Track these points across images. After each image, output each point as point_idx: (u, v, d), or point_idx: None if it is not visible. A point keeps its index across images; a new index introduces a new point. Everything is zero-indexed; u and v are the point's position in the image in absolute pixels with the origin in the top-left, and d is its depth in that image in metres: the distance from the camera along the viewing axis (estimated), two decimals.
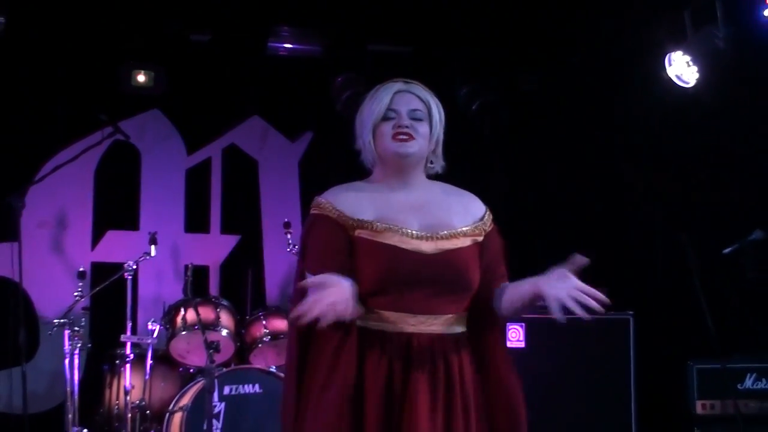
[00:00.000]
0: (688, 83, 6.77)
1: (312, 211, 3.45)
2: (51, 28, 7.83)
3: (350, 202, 3.39)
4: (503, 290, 3.42)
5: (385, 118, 3.37)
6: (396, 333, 3.31)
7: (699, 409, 6.41)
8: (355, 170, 3.53)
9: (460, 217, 3.44)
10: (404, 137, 3.35)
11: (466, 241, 3.39)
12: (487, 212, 3.52)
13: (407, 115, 3.38)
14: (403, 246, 3.31)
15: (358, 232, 3.33)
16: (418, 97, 3.43)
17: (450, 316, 3.37)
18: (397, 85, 3.43)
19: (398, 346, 3.30)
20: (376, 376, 3.27)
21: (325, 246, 3.35)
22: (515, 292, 3.40)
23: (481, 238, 3.43)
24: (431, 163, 3.50)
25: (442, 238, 3.36)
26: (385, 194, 3.42)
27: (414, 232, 3.33)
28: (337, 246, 3.32)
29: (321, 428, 3.23)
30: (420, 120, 3.39)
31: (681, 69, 6.76)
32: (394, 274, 3.29)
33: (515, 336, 6.60)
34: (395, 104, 3.38)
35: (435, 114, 3.45)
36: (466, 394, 3.34)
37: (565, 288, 3.31)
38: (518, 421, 3.45)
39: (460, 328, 3.41)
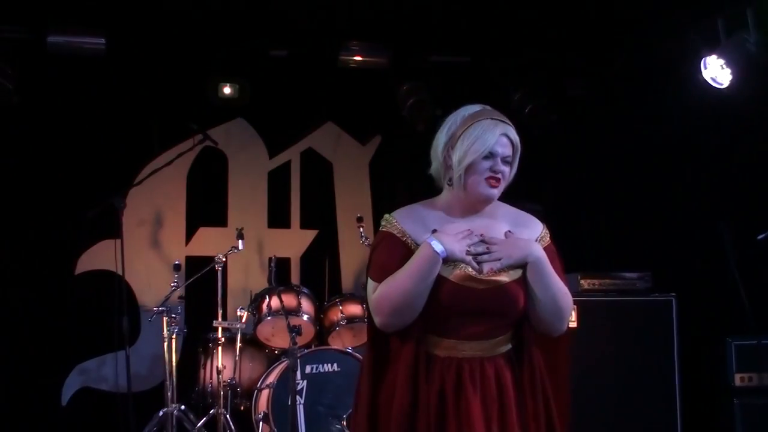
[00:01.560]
0: (722, 84, 6.70)
1: (381, 228, 3.45)
2: (146, 47, 7.92)
3: (416, 225, 3.38)
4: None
5: (484, 158, 3.29)
6: (447, 357, 3.31)
7: (737, 382, 6.39)
8: (419, 171, 3.53)
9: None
10: (494, 183, 3.31)
11: (515, 275, 3.32)
12: (543, 231, 3.48)
13: (501, 160, 3.32)
14: (457, 282, 3.27)
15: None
16: (511, 142, 3.35)
17: (499, 338, 3.35)
18: (499, 128, 3.32)
19: (449, 370, 3.29)
20: (428, 397, 3.26)
21: (388, 260, 3.34)
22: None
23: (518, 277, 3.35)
24: None
25: (494, 273, 3.31)
26: (449, 222, 3.38)
27: (467, 273, 3.29)
28: (399, 263, 3.29)
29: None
30: (508, 163, 3.35)
31: (715, 72, 6.69)
32: (445, 307, 3.27)
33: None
34: (496, 146, 3.30)
35: (518, 157, 3.39)
36: (523, 405, 3.31)
37: None
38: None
39: (509, 346, 3.39)
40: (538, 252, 3.32)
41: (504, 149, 3.31)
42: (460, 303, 3.27)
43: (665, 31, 7.24)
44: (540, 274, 3.30)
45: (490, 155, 3.29)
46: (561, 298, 3.34)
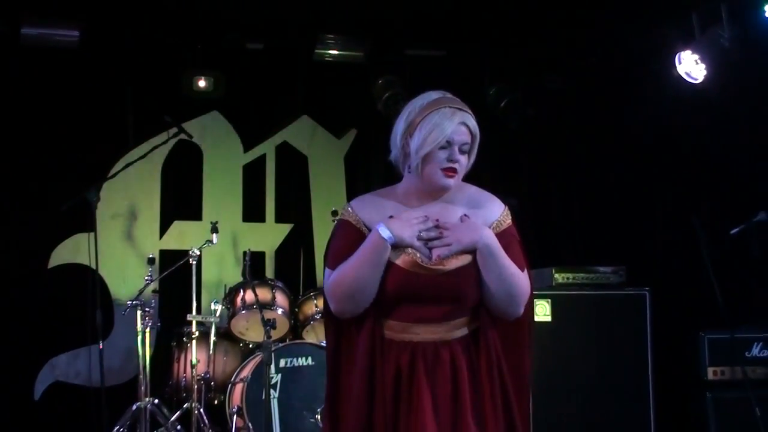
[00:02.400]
0: (696, 80, 6.73)
1: (339, 217, 3.50)
2: (120, 39, 7.89)
3: (373, 212, 3.39)
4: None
5: (441, 147, 3.28)
6: (403, 341, 3.32)
7: (710, 375, 6.39)
8: (393, 164, 3.52)
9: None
10: (451, 173, 3.31)
11: (467, 259, 3.31)
12: (503, 213, 3.45)
13: (459, 148, 3.31)
14: (408, 268, 3.28)
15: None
16: (470, 130, 3.33)
17: (454, 322, 3.34)
18: (458, 116, 3.30)
19: (403, 354, 3.30)
20: (384, 382, 3.28)
21: (342, 247, 3.37)
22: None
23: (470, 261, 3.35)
24: None
25: (443, 259, 3.31)
26: (406, 209, 3.39)
27: (419, 260, 3.30)
28: (353, 250, 3.31)
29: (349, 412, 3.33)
30: (465, 153, 3.34)
31: (690, 67, 6.72)
32: (399, 291, 3.29)
33: (542, 311, 6.59)
34: (452, 136, 3.28)
35: (476, 146, 3.38)
36: (478, 388, 3.31)
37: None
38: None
39: (466, 330, 3.37)
40: (488, 238, 3.30)
41: (461, 137, 3.31)
42: (409, 288, 3.29)
43: (641, 25, 7.26)
44: (489, 260, 3.29)
45: (448, 144, 3.28)
46: (514, 283, 3.33)
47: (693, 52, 6.67)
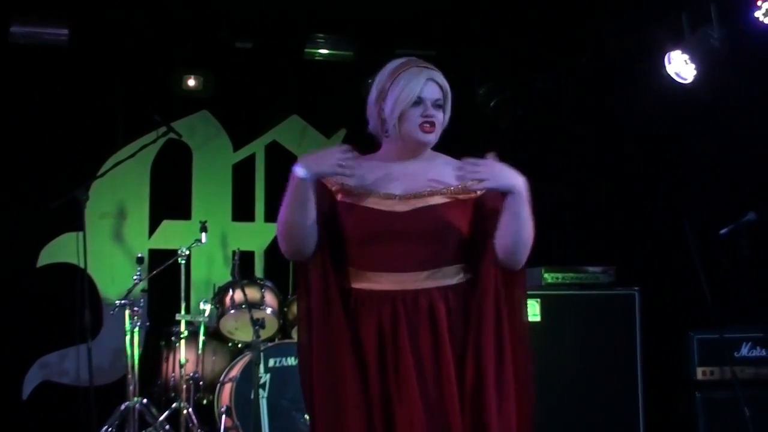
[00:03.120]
0: (686, 80, 6.73)
1: None
2: (110, 38, 7.86)
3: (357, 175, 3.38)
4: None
5: (413, 104, 3.33)
6: (383, 291, 3.30)
7: (699, 375, 6.39)
8: (374, 135, 3.53)
9: (447, 180, 3.40)
10: (428, 127, 3.34)
11: (443, 199, 3.35)
12: None
13: (432, 104, 3.36)
14: (376, 207, 3.32)
15: (340, 197, 3.38)
16: (440, 86, 3.40)
17: (432, 270, 3.33)
18: (425, 72, 3.38)
19: (385, 304, 3.28)
20: (368, 336, 3.27)
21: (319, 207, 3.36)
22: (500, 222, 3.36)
23: (469, 197, 3.39)
24: None
25: (416, 197, 3.34)
26: (384, 167, 3.43)
27: (389, 193, 3.34)
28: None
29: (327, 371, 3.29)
30: (439, 107, 3.39)
31: (679, 67, 6.72)
32: (367, 233, 3.30)
33: (531, 310, 6.58)
34: (423, 92, 3.34)
35: (449, 101, 3.44)
36: (459, 342, 3.29)
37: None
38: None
39: (449, 281, 3.35)
40: (524, 184, 3.36)
41: (432, 93, 3.36)
42: (385, 229, 3.30)
43: (630, 25, 7.26)
44: (522, 206, 3.32)
45: (420, 100, 3.33)
46: (531, 231, 3.36)
47: (682, 52, 6.67)
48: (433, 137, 3.39)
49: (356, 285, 3.35)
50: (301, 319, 3.45)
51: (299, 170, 3.24)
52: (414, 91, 3.32)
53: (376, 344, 3.26)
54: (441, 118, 3.40)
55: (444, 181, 3.39)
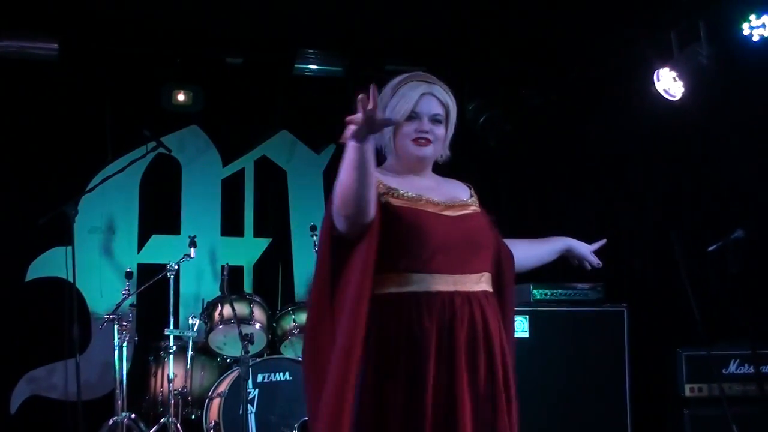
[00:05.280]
0: (674, 97, 6.75)
1: None
2: (100, 53, 7.85)
3: (379, 175, 3.30)
4: (513, 248, 3.51)
5: (408, 118, 3.30)
6: (439, 293, 3.22)
7: (687, 392, 6.39)
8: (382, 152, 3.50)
9: (463, 194, 3.45)
10: (423, 142, 3.31)
11: (476, 210, 3.40)
12: (473, 192, 3.54)
13: (428, 119, 3.32)
14: (432, 210, 3.27)
15: (390, 199, 3.26)
16: (440, 100, 3.35)
17: (479, 275, 3.31)
18: (422, 87, 3.34)
19: (442, 306, 3.21)
20: (428, 336, 3.17)
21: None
22: (538, 247, 3.66)
23: (479, 210, 3.43)
24: (440, 156, 3.45)
25: (456, 205, 3.35)
26: (403, 177, 3.36)
27: (435, 200, 3.31)
28: None
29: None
30: (439, 123, 3.34)
31: (668, 84, 6.74)
32: (429, 237, 3.22)
33: (520, 327, 6.57)
34: (419, 107, 3.30)
35: (452, 116, 3.39)
36: (502, 349, 3.29)
37: (586, 248, 3.89)
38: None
39: (488, 288, 3.35)
40: None
41: (429, 108, 3.32)
42: (445, 231, 3.26)
43: (619, 42, 7.28)
44: None
45: (415, 115, 3.30)
46: None
47: (671, 70, 6.69)
48: (428, 151, 3.34)
49: (409, 288, 3.22)
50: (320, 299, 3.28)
51: (349, 137, 3.02)
52: (408, 105, 3.29)
53: (436, 343, 3.18)
54: (440, 133, 3.35)
55: (461, 197, 3.43)
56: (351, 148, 3.01)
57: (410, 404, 3.13)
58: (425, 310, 3.20)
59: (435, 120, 3.33)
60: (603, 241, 3.95)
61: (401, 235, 3.22)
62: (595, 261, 3.86)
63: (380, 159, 3.47)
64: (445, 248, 3.24)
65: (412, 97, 3.31)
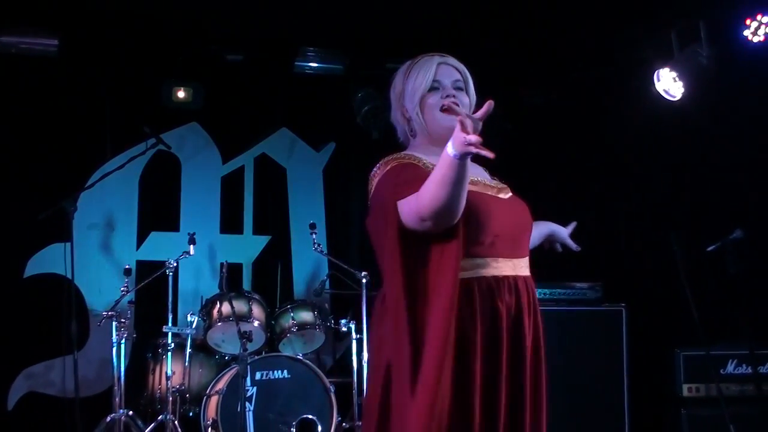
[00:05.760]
0: (674, 97, 6.76)
1: (393, 164, 3.27)
2: (100, 49, 7.85)
3: (426, 158, 3.27)
4: None
5: (431, 89, 3.29)
6: (505, 277, 3.21)
7: (685, 392, 6.42)
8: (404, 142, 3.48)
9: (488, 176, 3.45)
10: (451, 106, 3.19)
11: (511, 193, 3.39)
12: None
13: (451, 85, 3.31)
14: (491, 194, 3.27)
15: None
16: (456, 68, 3.36)
17: (527, 258, 3.33)
18: (436, 58, 3.34)
19: (509, 290, 3.21)
20: (500, 319, 3.16)
21: (418, 176, 3.13)
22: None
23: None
24: None
25: (503, 189, 3.36)
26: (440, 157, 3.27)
27: (489, 182, 3.31)
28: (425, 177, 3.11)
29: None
30: (461, 89, 3.34)
31: (668, 84, 6.75)
32: (493, 221, 3.19)
33: None
34: (439, 75, 3.30)
35: (471, 85, 3.39)
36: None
37: (566, 232, 3.93)
38: None
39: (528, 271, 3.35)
40: None
41: (448, 75, 3.34)
42: (506, 214, 3.28)
43: (620, 42, 7.29)
44: None
45: (437, 84, 3.30)
46: None
47: (671, 70, 6.70)
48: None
49: (470, 273, 3.15)
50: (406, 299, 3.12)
51: (449, 148, 2.95)
52: (428, 75, 3.29)
53: (507, 326, 3.17)
54: (465, 101, 3.33)
55: (493, 179, 3.43)
56: (453, 164, 2.93)
57: (488, 382, 3.14)
58: (497, 294, 3.17)
59: (457, 87, 3.33)
60: (575, 224, 4.01)
61: (470, 219, 3.14)
62: (574, 245, 3.88)
63: (401, 145, 3.48)
64: (505, 232, 3.23)
65: (430, 68, 3.31)
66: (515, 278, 3.23)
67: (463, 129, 2.91)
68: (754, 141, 6.91)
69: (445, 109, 3.15)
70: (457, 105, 3.22)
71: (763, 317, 6.59)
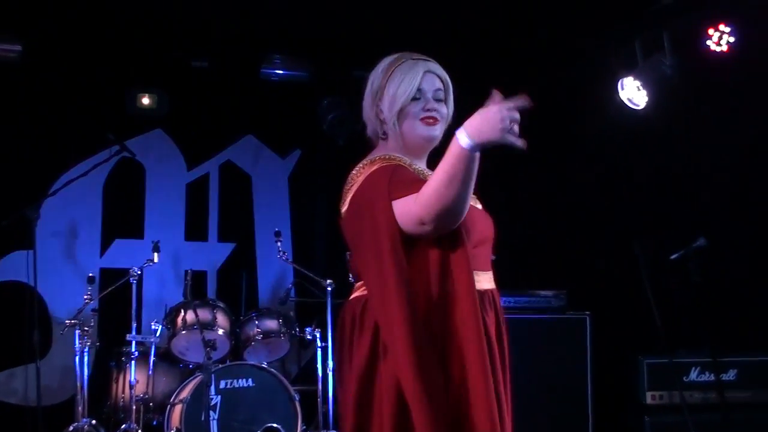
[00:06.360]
0: (638, 106, 6.80)
1: (381, 164, 3.15)
2: (64, 55, 7.82)
3: (410, 160, 3.20)
4: None
5: (413, 99, 3.16)
6: (485, 291, 3.14)
7: (649, 400, 6.46)
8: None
9: None
10: (431, 120, 3.19)
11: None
12: None
13: (432, 96, 3.20)
14: (471, 202, 3.09)
15: None
16: (439, 77, 3.24)
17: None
18: (421, 65, 3.21)
19: (490, 304, 3.14)
20: (492, 336, 3.10)
21: (414, 179, 3.07)
22: None
23: None
24: None
25: (476, 198, 3.23)
26: (416, 163, 3.24)
27: None
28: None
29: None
30: (441, 101, 3.22)
31: (632, 93, 6.79)
32: (474, 231, 3.11)
33: None
34: (423, 85, 3.18)
35: (450, 93, 3.28)
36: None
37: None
38: None
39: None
40: None
41: (432, 84, 3.20)
42: (483, 226, 3.21)
43: (585, 51, 7.33)
44: None
45: (419, 93, 3.17)
46: None
47: (635, 79, 6.74)
48: (437, 131, 3.22)
49: None
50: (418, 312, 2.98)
51: (463, 139, 2.83)
52: (412, 83, 3.16)
53: (488, 341, 3.07)
54: (444, 112, 3.23)
55: None
56: (465, 158, 2.84)
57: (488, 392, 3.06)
58: (482, 310, 3.08)
59: (438, 98, 3.21)
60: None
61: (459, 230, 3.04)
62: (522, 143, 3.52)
63: (368, 149, 3.39)
64: (483, 243, 3.16)
65: (415, 78, 3.18)
66: (492, 292, 3.19)
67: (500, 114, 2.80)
68: (716, 150, 6.97)
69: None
70: (437, 121, 3.20)
71: (726, 325, 6.65)
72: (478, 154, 2.86)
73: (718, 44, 6.26)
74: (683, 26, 6.40)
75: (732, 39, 6.16)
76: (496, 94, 2.88)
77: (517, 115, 2.86)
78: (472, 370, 2.97)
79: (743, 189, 6.83)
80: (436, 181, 2.88)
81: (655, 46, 6.53)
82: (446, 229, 2.97)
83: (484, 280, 3.17)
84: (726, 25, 6.20)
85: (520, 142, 2.87)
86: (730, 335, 6.64)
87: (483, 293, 3.12)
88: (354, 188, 3.18)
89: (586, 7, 6.78)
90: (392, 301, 2.96)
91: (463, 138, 2.82)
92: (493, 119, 2.82)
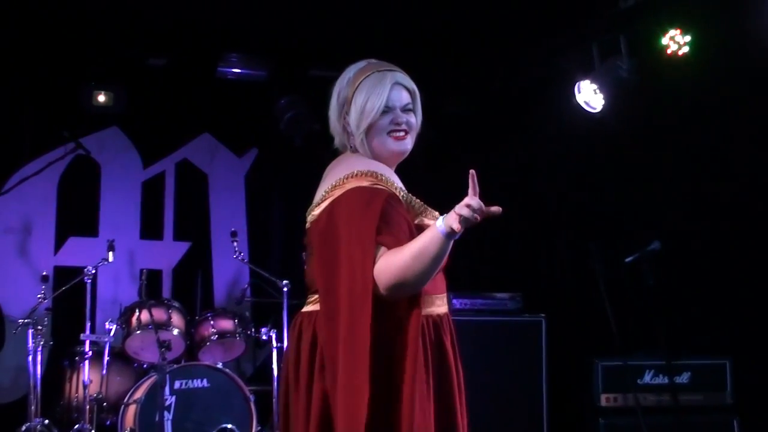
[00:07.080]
0: (595, 109, 6.83)
1: (363, 182, 3.08)
2: (18, 51, 7.74)
3: (387, 176, 3.15)
4: None
5: (382, 113, 3.13)
6: (438, 315, 3.14)
7: (603, 402, 6.49)
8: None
9: None
10: (401, 134, 3.17)
11: None
12: None
13: (401, 110, 3.16)
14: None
15: (420, 220, 3.10)
16: (407, 88, 3.20)
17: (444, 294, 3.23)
18: (389, 77, 3.16)
19: (445, 328, 3.14)
20: (442, 359, 3.12)
21: (403, 224, 3.03)
22: None
23: None
24: None
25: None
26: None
27: (434, 213, 3.13)
28: (408, 229, 3.02)
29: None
30: (410, 111, 3.19)
31: (589, 96, 6.82)
32: None
33: None
34: (391, 100, 3.14)
35: (418, 102, 3.25)
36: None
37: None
38: None
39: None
40: None
41: (400, 99, 3.17)
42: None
43: (542, 54, 7.36)
44: None
45: (388, 109, 3.14)
46: None
47: (592, 82, 6.78)
48: (407, 144, 3.21)
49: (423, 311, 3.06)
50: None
51: (440, 223, 2.86)
52: (381, 99, 3.13)
53: (446, 365, 3.13)
54: (413, 122, 3.21)
55: None
56: (439, 241, 2.86)
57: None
58: (442, 333, 3.12)
59: (406, 110, 3.18)
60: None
61: None
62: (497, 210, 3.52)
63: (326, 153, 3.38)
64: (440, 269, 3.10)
65: (383, 92, 3.14)
66: (447, 315, 3.19)
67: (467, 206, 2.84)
68: (671, 153, 7.03)
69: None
70: (407, 134, 3.19)
71: (680, 328, 6.71)
72: (452, 240, 2.88)
73: (675, 48, 6.29)
74: (640, 30, 6.43)
75: (688, 41, 6.19)
76: (473, 176, 2.93)
77: (482, 213, 2.86)
78: (403, 392, 2.94)
79: (698, 192, 6.88)
80: (407, 254, 2.89)
81: (612, 49, 6.56)
82: (402, 297, 2.96)
83: (442, 304, 3.18)
84: (682, 29, 6.23)
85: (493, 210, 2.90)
86: (684, 338, 6.70)
87: (441, 317, 3.15)
88: (335, 194, 3.11)
89: (543, 11, 6.80)
90: (339, 320, 2.95)
91: (440, 224, 2.86)
92: (460, 209, 2.84)
